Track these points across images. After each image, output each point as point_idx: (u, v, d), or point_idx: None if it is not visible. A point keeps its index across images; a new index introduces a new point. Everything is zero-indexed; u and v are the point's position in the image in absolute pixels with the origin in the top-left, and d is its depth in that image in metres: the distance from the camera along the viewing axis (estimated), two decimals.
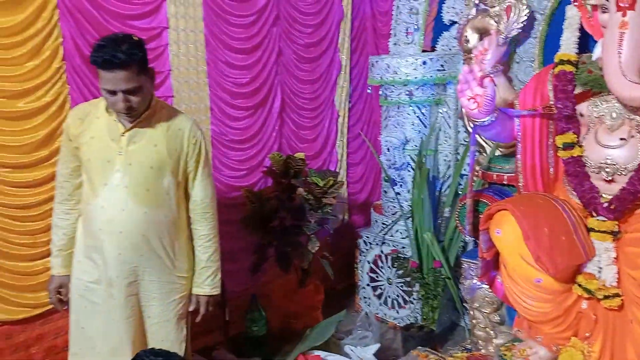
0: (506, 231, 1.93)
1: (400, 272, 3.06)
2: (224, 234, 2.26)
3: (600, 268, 1.90)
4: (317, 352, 2.43)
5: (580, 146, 1.97)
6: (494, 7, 2.55)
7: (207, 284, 1.98)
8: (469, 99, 1.97)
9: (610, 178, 1.89)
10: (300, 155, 3.06)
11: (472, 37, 2.66)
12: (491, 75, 2.26)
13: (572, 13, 2.08)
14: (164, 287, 1.91)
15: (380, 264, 3.28)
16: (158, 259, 1.88)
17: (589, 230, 1.92)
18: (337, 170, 3.69)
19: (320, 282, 3.19)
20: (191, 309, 1.98)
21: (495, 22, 2.49)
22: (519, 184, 2.24)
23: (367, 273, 3.34)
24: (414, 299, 3.06)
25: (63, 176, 1.95)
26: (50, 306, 2.26)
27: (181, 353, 1.88)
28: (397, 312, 3.16)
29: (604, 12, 1.87)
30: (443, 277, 2.87)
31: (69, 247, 1.96)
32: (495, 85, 1.99)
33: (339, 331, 2.85)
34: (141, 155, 1.84)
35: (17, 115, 2.36)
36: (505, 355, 2.03)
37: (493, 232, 1.97)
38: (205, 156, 1.98)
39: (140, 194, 1.83)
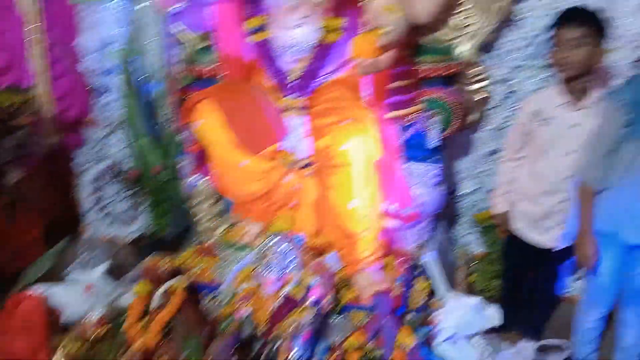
0: (206, 121, 1.94)
1: (122, 185, 2.90)
2: None
3: (297, 142, 2.07)
4: (36, 288, 2.19)
5: (268, 30, 2.04)
6: None
7: None
8: None
9: (296, 58, 2.02)
10: None
11: None
12: None
13: None
14: None
15: (102, 182, 3.05)
16: None
17: (283, 109, 2.05)
18: (35, 84, 3.18)
19: (39, 213, 2.84)
20: None
21: None
22: (222, 74, 2.25)
23: (90, 194, 3.09)
24: (143, 210, 2.97)
25: None
26: None
27: None
28: (128, 228, 3.04)
29: None
30: (166, 180, 2.82)
31: None
32: None
33: (66, 261, 2.61)
34: None
35: None
36: (222, 239, 2.14)
37: (194, 125, 1.96)
38: None
39: None
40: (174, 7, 1.89)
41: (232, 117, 1.93)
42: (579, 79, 1.71)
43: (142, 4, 2.92)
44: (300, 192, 2.13)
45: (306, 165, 2.06)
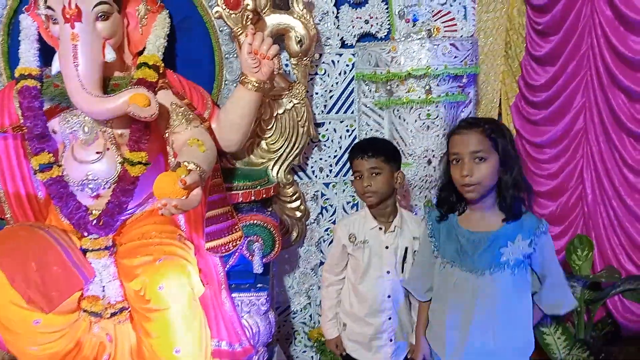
0: None
1: None
2: None
3: (104, 286, 1.83)
4: None
5: (60, 165, 1.84)
6: None
7: None
8: None
9: (95, 194, 1.83)
10: None
11: None
12: None
13: (27, 23, 1.91)
14: None
15: None
16: None
17: (84, 251, 1.82)
18: None
19: None
20: None
21: None
22: (7, 216, 1.95)
23: None
24: None
25: None
26: None
27: None
28: None
29: (54, 23, 1.77)
30: None
31: None
32: None
33: None
34: None
35: None
36: None
37: None
38: None
39: None
40: None
41: (17, 270, 1.63)
42: (384, 203, 1.82)
43: None
44: (113, 343, 1.86)
45: (118, 311, 1.82)
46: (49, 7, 1.73)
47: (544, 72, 2.33)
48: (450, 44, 2.10)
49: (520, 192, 1.54)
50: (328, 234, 2.47)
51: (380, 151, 1.81)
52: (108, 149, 1.82)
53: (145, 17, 1.90)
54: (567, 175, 2.30)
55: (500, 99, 2.56)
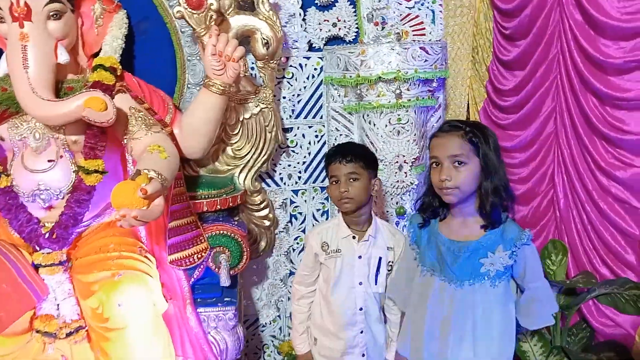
0: None
1: None
2: None
3: (58, 304, 1.72)
4: None
5: (8, 175, 1.72)
6: None
7: None
8: None
9: (47, 205, 1.72)
10: None
11: None
12: None
13: None
14: None
15: None
16: None
17: (36, 266, 1.69)
18: None
19: None
20: None
21: None
22: None
23: None
24: None
25: None
26: None
27: None
28: None
29: (1, 22, 1.65)
30: None
31: None
32: None
33: None
34: None
35: None
36: None
37: None
38: None
39: None
40: None
41: None
42: (359, 211, 1.74)
43: None
44: None
45: (74, 331, 1.70)
46: None
47: (512, 76, 2.32)
48: (420, 48, 2.06)
49: (502, 200, 1.48)
50: (298, 243, 2.39)
51: (359, 156, 1.73)
52: (61, 156, 1.72)
53: (101, 17, 1.81)
54: (538, 180, 2.28)
55: (468, 103, 2.54)
